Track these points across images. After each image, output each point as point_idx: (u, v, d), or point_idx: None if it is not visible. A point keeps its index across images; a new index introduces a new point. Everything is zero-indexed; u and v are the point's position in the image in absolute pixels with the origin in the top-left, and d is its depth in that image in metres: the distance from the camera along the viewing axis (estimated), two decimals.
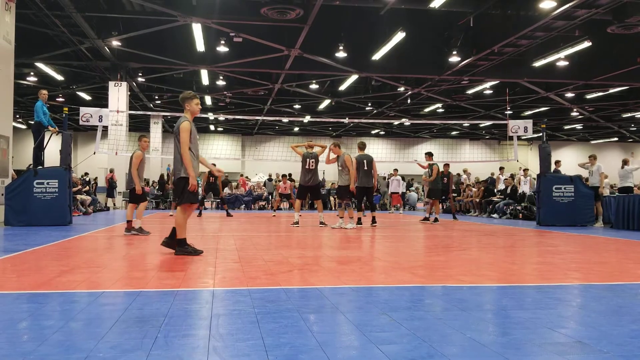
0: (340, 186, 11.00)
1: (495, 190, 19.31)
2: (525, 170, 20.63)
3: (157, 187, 24.15)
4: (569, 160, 37.76)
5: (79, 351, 2.37)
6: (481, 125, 36.18)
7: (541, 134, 13.66)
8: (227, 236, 8.88)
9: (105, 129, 15.64)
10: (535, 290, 4.09)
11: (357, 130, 39.46)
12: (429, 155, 13.78)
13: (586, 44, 16.83)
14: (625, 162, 13.62)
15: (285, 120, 33.86)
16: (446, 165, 15.10)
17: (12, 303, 3.47)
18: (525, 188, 18.93)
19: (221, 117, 31.02)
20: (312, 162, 11.18)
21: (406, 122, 32.26)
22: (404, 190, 23.21)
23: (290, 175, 24.62)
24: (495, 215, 17.24)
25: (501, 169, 21.33)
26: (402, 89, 25.10)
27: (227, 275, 4.69)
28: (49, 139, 11.76)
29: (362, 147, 11.60)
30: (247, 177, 28.50)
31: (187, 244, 6.01)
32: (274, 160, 29.05)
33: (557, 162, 16.62)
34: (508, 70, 21.18)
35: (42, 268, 4.95)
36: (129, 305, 3.33)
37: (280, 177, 22.66)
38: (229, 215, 16.63)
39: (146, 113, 26.70)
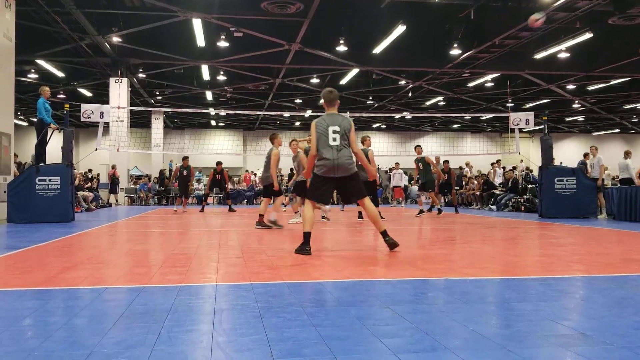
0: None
1: (497, 183, 19.34)
2: (498, 161, 20.77)
3: (158, 183, 24.18)
4: (571, 152, 37.76)
5: (83, 347, 2.38)
6: (482, 118, 36.12)
7: (543, 126, 13.64)
8: (230, 231, 8.90)
9: (106, 125, 15.64)
10: (537, 282, 4.09)
11: (358, 124, 39.45)
12: (420, 148, 13.70)
13: (587, 36, 16.78)
14: (627, 154, 13.56)
15: (286, 114, 33.84)
16: (446, 162, 15.17)
17: (15, 300, 3.48)
18: (498, 180, 19.18)
19: (222, 112, 31.03)
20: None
21: (407, 115, 32.24)
22: (406, 184, 23.21)
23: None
24: (493, 207, 17.25)
25: (498, 161, 21.45)
26: (403, 82, 25.06)
27: (230, 270, 4.70)
28: (51, 135, 11.75)
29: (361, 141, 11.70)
30: (253, 172, 28.54)
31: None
32: None
33: (586, 156, 16.38)
34: (509, 63, 21.13)
35: (45, 265, 4.96)
36: (132, 301, 3.34)
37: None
38: (231, 210, 16.65)
39: (147, 109, 26.73)
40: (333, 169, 5.67)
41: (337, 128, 5.75)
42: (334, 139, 5.71)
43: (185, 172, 16.15)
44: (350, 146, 5.80)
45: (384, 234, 5.79)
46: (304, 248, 5.61)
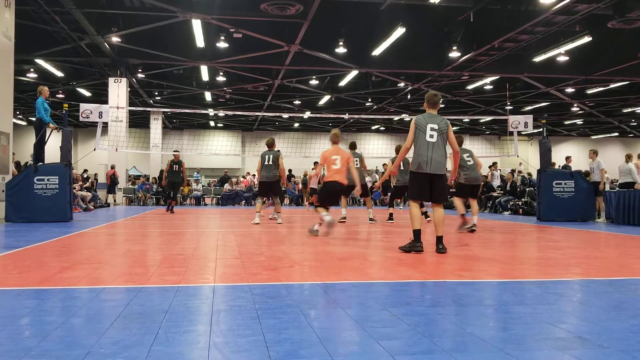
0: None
1: (495, 186, 19.37)
2: (495, 163, 20.81)
3: (156, 183, 24.16)
4: (570, 155, 37.77)
5: (80, 347, 2.38)
6: (481, 121, 36.15)
7: (541, 129, 13.65)
8: (227, 232, 8.89)
9: (105, 125, 15.62)
10: (535, 285, 4.09)
11: (357, 125, 39.43)
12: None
13: (587, 39, 16.81)
14: (629, 157, 13.55)
15: (285, 116, 33.85)
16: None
17: (13, 299, 3.47)
18: (496, 182, 19.19)
19: (221, 113, 30.99)
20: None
21: (406, 117, 32.20)
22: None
23: (290, 171, 24.62)
24: (490, 210, 17.31)
25: (494, 164, 21.49)
26: (402, 84, 25.08)
27: (228, 271, 4.69)
28: (49, 135, 11.74)
29: (352, 147, 11.80)
30: (252, 174, 28.51)
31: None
32: None
33: (568, 158, 16.80)
34: (508, 66, 21.16)
35: (43, 264, 4.96)
36: (129, 301, 3.33)
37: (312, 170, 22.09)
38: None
39: (146, 109, 26.71)
40: (426, 164, 5.95)
41: (435, 126, 6.05)
42: (431, 136, 6.01)
43: (175, 167, 14.87)
44: (450, 144, 6.14)
45: (439, 240, 6.06)
46: (415, 245, 5.96)
